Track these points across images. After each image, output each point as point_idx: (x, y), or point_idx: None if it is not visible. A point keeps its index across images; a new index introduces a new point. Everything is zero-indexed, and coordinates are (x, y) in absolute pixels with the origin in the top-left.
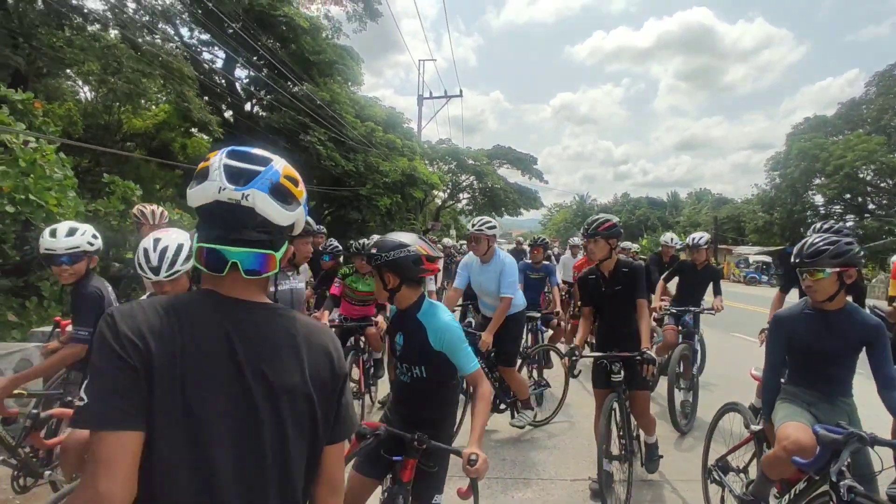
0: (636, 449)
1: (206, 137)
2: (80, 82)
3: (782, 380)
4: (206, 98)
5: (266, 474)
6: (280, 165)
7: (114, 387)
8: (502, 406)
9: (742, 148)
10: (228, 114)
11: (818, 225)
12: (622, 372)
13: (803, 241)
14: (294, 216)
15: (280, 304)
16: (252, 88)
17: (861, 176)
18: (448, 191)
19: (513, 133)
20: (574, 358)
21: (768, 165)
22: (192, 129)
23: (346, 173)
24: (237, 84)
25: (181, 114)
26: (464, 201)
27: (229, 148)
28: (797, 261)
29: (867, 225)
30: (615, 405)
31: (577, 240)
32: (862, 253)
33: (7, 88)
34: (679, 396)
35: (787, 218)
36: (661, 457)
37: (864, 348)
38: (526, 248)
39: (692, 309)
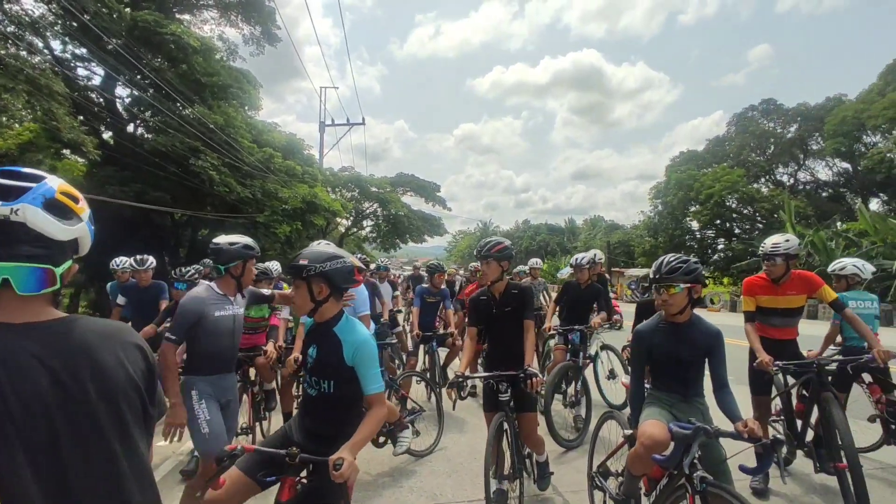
0: (527, 467)
1: (80, 160)
2: None
3: (647, 386)
4: (81, 117)
5: (107, 447)
6: (55, 182)
7: None
8: (381, 440)
9: (630, 178)
10: (108, 135)
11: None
12: (509, 391)
13: (658, 261)
14: (75, 231)
15: (69, 318)
16: (135, 109)
17: (728, 204)
18: (351, 218)
19: (418, 161)
20: (461, 381)
21: (651, 194)
22: (64, 151)
23: (241, 200)
24: (118, 103)
25: (49, 134)
26: (368, 228)
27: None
28: (656, 277)
29: (734, 247)
30: (504, 425)
31: (534, 261)
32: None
33: None
34: (570, 412)
35: (670, 242)
36: (552, 473)
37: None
38: (423, 273)
39: (576, 327)
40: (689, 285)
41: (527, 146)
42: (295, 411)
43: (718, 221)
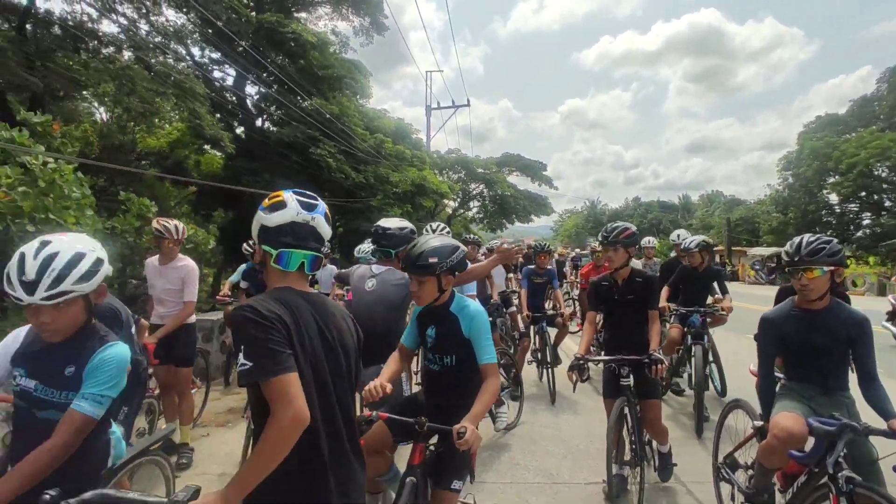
0: (648, 455)
1: (218, 154)
2: (95, 103)
3: (781, 376)
4: (218, 115)
5: (348, 391)
6: (322, 202)
7: (281, 347)
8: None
9: (755, 149)
10: (240, 130)
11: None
12: (631, 376)
13: (795, 241)
14: (329, 233)
15: (317, 292)
16: (262, 104)
17: (876, 173)
18: (458, 199)
19: (522, 140)
20: (581, 363)
21: (780, 165)
22: (206, 146)
23: (356, 185)
24: (248, 100)
25: (194, 131)
26: (474, 209)
27: (293, 189)
28: (794, 259)
29: (884, 223)
30: (626, 410)
31: (647, 240)
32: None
33: (26, 111)
34: (690, 398)
35: (802, 218)
36: (675, 465)
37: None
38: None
39: (700, 309)
40: (831, 268)
41: (636, 119)
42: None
43: (864, 193)
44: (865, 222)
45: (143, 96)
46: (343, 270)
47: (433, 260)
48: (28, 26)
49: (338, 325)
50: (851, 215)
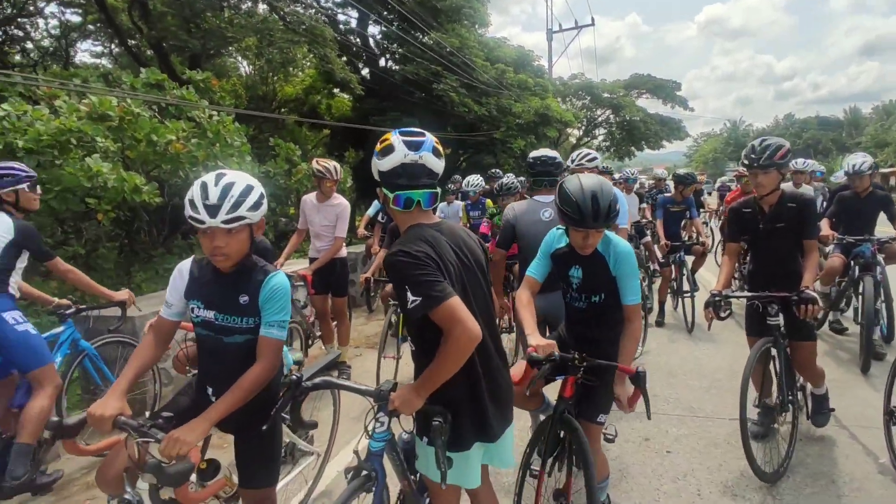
0: (800, 400)
1: (346, 96)
2: (239, 58)
3: None
4: (344, 58)
5: (488, 301)
6: (430, 136)
7: (438, 278)
8: None
9: None
10: (365, 71)
11: None
12: (780, 315)
13: None
14: (442, 165)
15: (443, 221)
16: (385, 43)
17: None
18: (583, 127)
19: (652, 59)
20: (717, 300)
21: None
22: (335, 90)
23: (479, 118)
24: (370, 41)
25: (325, 77)
26: (600, 137)
27: (399, 130)
28: None
29: None
30: (772, 351)
31: (803, 162)
32: None
33: (187, 70)
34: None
35: None
36: (833, 410)
37: None
38: (669, 182)
39: (871, 238)
40: None
41: (792, 22)
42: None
43: None
44: None
45: (280, 46)
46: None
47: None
48: None
49: (470, 247)
50: None
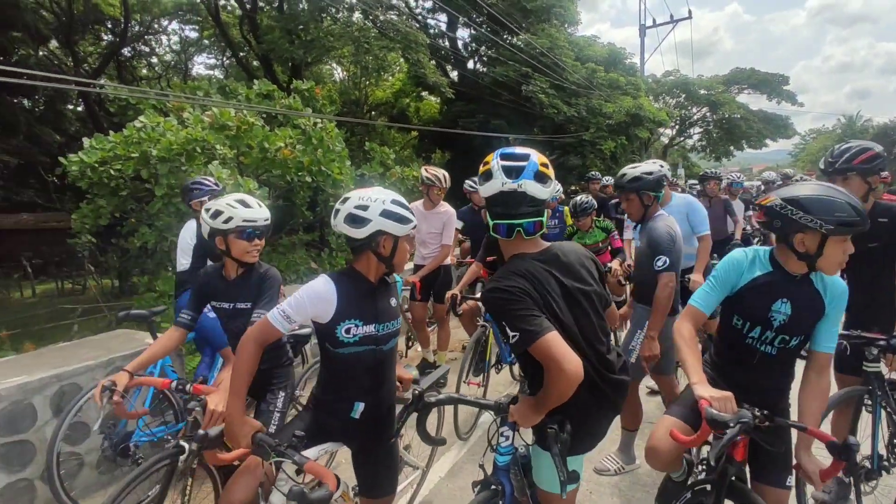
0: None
1: (434, 99)
2: (334, 65)
3: None
4: (433, 61)
5: (596, 328)
6: (536, 157)
7: (535, 313)
8: None
9: None
10: (454, 74)
11: None
12: (879, 359)
13: None
14: (551, 191)
15: (552, 246)
16: (474, 46)
17: None
18: (676, 126)
19: (754, 51)
20: None
21: None
22: (423, 93)
23: (567, 119)
24: (459, 43)
25: (415, 80)
26: (695, 136)
27: (501, 151)
28: None
29: None
30: (866, 399)
31: None
32: None
33: (289, 78)
34: None
35: None
36: None
37: None
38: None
39: None
40: None
41: None
42: None
43: None
44: None
45: (375, 53)
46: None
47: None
48: (285, 5)
49: (575, 273)
50: None
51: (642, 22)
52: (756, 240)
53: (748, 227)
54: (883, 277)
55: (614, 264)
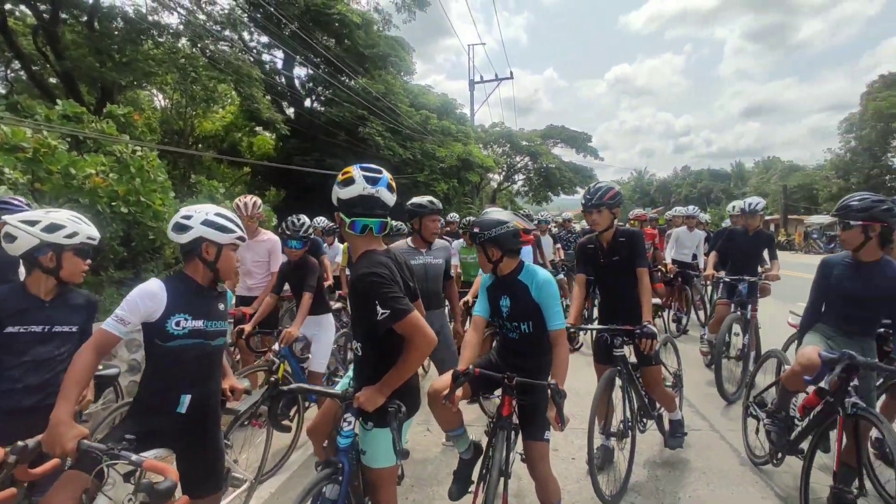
0: (639, 427)
1: (269, 135)
2: (154, 90)
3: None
4: (268, 97)
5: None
6: (387, 174)
7: (401, 295)
8: None
9: (816, 111)
10: (290, 111)
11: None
12: (624, 346)
13: (843, 199)
14: (394, 199)
15: (391, 246)
16: (311, 85)
17: None
18: (503, 173)
19: (567, 111)
20: (570, 331)
21: (842, 128)
22: (257, 128)
23: (403, 161)
24: (296, 82)
25: (248, 114)
26: (519, 182)
27: (360, 165)
28: (834, 213)
29: None
30: (617, 380)
31: (692, 209)
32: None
33: (98, 101)
34: (737, 366)
35: (865, 183)
36: (686, 434)
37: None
38: (575, 226)
39: (745, 278)
40: (863, 223)
41: (688, 84)
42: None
43: None
44: None
45: (205, 84)
46: None
47: (476, 230)
48: (95, 23)
49: (405, 272)
50: None
51: (471, 77)
52: (562, 270)
53: (556, 258)
54: (627, 283)
55: None
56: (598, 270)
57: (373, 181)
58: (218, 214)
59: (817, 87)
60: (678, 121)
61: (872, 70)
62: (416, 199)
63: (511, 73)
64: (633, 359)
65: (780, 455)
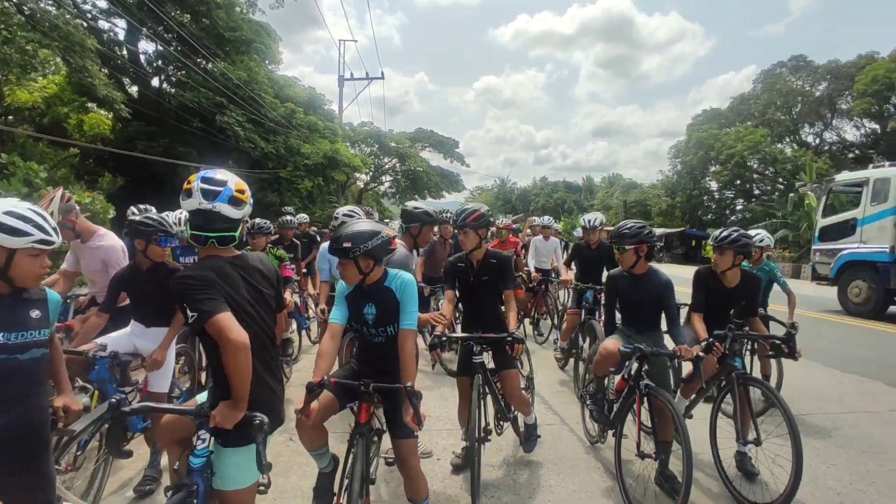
0: (515, 428)
1: (104, 114)
2: None
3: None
4: (105, 70)
5: (271, 315)
6: (233, 183)
7: (213, 297)
8: None
9: (654, 135)
10: (133, 89)
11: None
12: (483, 354)
13: (616, 227)
14: (244, 212)
15: (242, 253)
16: (159, 63)
17: (749, 164)
18: (370, 173)
19: (437, 115)
20: (442, 340)
21: (671, 153)
22: (89, 105)
23: (265, 155)
24: (142, 58)
25: (78, 88)
26: (386, 184)
27: (202, 175)
28: (613, 240)
29: (753, 208)
30: (482, 387)
31: (546, 219)
32: (654, 235)
33: None
34: (585, 368)
35: (687, 202)
36: (539, 437)
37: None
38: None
39: (591, 286)
40: (635, 246)
41: (549, 101)
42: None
43: (738, 182)
44: (738, 207)
45: (22, 47)
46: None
47: (347, 245)
48: None
49: (257, 277)
50: (727, 201)
51: (341, 73)
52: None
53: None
54: (492, 301)
55: (286, 293)
56: (466, 288)
57: (212, 195)
58: (8, 214)
59: (654, 115)
60: (539, 134)
61: (698, 104)
62: (422, 206)
63: (382, 73)
64: (491, 365)
65: (605, 432)
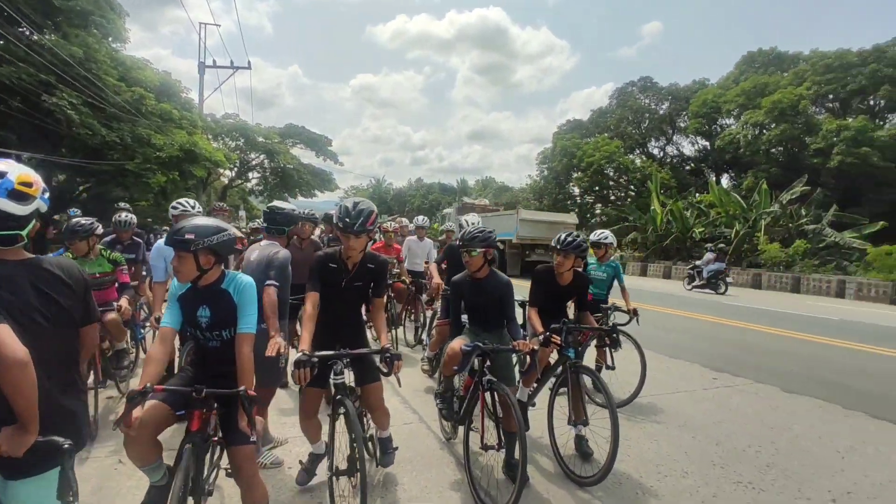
0: (369, 449)
1: None
2: None
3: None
4: None
5: (67, 325)
6: (14, 175)
7: None
8: None
9: (525, 141)
10: None
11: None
12: (344, 372)
13: (462, 231)
14: (32, 207)
15: (35, 257)
16: None
17: (606, 172)
18: (236, 169)
19: (312, 110)
20: (312, 360)
21: (539, 159)
22: None
23: (107, 144)
24: None
25: None
26: (254, 181)
27: None
28: (461, 244)
29: (609, 212)
30: (342, 408)
31: (421, 219)
32: (496, 239)
33: None
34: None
35: (553, 205)
36: (397, 448)
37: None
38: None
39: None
40: (484, 250)
41: (427, 102)
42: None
43: (597, 188)
44: (597, 211)
45: None
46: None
47: (189, 237)
48: None
49: (51, 283)
50: (588, 205)
51: (202, 59)
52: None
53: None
54: (356, 308)
55: (122, 301)
56: (333, 291)
57: None
58: None
59: (526, 122)
60: (416, 135)
61: (564, 114)
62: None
63: (249, 62)
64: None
65: (457, 428)
